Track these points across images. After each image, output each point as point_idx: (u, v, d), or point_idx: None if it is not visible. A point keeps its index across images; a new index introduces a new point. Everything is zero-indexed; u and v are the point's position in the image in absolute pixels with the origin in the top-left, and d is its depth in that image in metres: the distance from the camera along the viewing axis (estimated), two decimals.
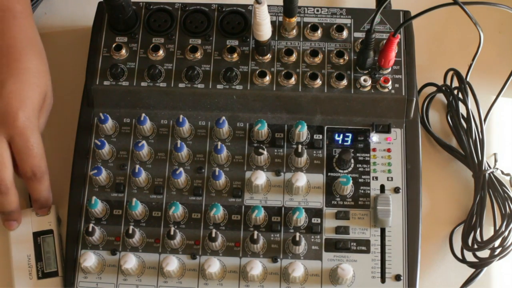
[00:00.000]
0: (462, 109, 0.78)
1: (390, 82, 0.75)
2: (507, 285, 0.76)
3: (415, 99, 0.76)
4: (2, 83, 0.70)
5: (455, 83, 0.80)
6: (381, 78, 0.75)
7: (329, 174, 0.75)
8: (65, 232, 0.74)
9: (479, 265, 0.73)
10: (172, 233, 0.71)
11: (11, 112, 0.69)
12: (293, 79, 0.76)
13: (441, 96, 0.83)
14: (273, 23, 0.78)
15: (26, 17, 0.75)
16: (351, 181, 0.72)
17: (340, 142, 0.76)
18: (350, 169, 0.75)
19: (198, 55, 0.77)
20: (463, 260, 0.75)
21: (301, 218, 0.71)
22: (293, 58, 0.77)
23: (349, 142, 0.76)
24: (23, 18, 0.74)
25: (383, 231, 0.72)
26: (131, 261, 0.70)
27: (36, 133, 0.71)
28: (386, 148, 0.75)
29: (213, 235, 0.70)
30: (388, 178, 0.74)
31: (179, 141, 0.73)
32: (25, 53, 0.72)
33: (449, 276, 0.76)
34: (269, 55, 0.77)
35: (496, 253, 0.72)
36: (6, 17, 0.73)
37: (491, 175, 0.75)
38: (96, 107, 0.77)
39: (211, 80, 0.76)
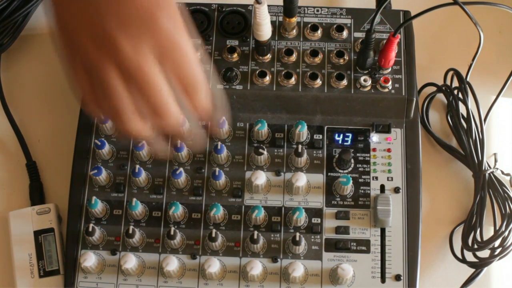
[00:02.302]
0: (462, 109, 0.78)
1: (390, 82, 0.75)
2: (507, 285, 0.76)
3: (415, 99, 0.76)
4: None
5: (455, 83, 0.80)
6: (381, 78, 0.75)
7: (329, 174, 0.75)
8: (65, 232, 0.74)
9: (479, 265, 0.73)
10: (172, 233, 0.71)
11: (149, 9, 0.55)
12: (293, 79, 0.76)
13: (441, 96, 0.83)
14: (273, 23, 0.78)
15: None
16: (351, 181, 0.72)
17: (340, 142, 0.76)
18: (350, 169, 0.75)
19: (198, 55, 0.77)
20: (463, 260, 0.75)
21: (301, 218, 0.71)
22: (293, 58, 0.77)
23: (349, 142, 0.76)
24: None
25: (383, 231, 0.72)
26: (131, 261, 0.70)
27: (185, 32, 0.57)
28: (386, 148, 0.75)
29: (213, 235, 0.70)
30: (388, 178, 0.74)
31: (179, 141, 0.73)
32: None
33: (449, 276, 0.76)
34: (269, 55, 0.77)
35: (496, 253, 0.72)
36: None
37: (491, 175, 0.75)
38: None
39: (211, 80, 0.76)
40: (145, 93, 0.56)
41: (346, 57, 0.77)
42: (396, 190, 0.74)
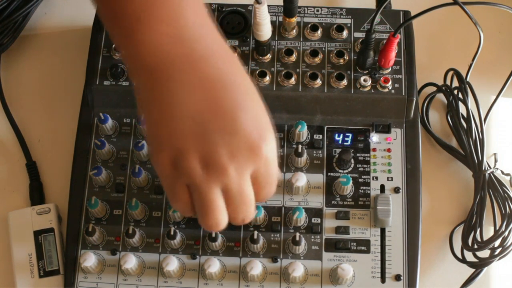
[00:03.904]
0: (462, 109, 0.78)
1: (390, 82, 0.75)
2: (507, 285, 0.76)
3: (415, 99, 0.76)
4: (236, 110, 0.60)
5: (455, 83, 0.80)
6: (381, 78, 0.75)
7: (329, 174, 0.75)
8: (65, 232, 0.74)
9: (479, 265, 0.73)
10: (172, 233, 0.71)
11: (255, 141, 0.60)
12: (293, 79, 0.76)
13: (441, 96, 0.83)
14: (273, 23, 0.78)
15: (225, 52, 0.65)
16: (351, 181, 0.72)
17: (340, 142, 0.76)
18: (350, 169, 0.75)
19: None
20: (463, 260, 0.75)
21: (301, 218, 0.71)
22: (293, 58, 0.77)
23: (349, 142, 0.76)
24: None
25: (383, 231, 0.72)
26: (131, 261, 0.70)
27: (276, 158, 0.63)
28: (386, 148, 0.75)
29: (213, 235, 0.70)
30: (388, 178, 0.74)
31: None
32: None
33: (449, 276, 0.76)
34: (269, 55, 0.77)
35: (496, 253, 0.72)
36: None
37: (491, 175, 0.75)
38: (96, 107, 0.77)
39: None
40: (237, 207, 0.62)
41: (346, 57, 0.77)
42: (396, 190, 0.74)
